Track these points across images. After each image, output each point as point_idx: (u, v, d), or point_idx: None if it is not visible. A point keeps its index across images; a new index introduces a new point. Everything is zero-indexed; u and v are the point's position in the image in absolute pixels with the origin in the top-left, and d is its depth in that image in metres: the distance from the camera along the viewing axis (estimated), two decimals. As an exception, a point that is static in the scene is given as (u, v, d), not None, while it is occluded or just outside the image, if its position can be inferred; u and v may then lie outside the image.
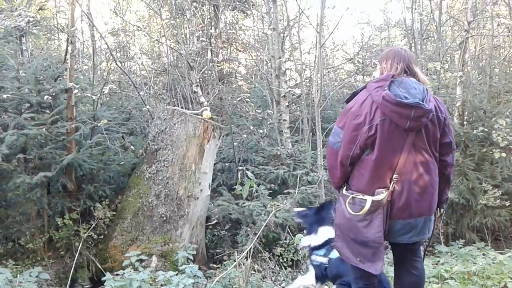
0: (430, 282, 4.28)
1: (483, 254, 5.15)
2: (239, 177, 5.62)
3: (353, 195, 2.72)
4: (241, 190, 5.42)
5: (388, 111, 2.62)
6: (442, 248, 5.57)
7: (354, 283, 2.94)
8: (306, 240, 3.76)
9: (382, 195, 2.64)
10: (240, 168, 5.91)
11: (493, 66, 7.52)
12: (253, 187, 5.51)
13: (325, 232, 3.63)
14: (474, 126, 6.10)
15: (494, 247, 5.75)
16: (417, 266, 2.97)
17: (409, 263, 2.95)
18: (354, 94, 2.87)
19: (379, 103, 2.63)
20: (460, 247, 5.50)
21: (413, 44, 8.63)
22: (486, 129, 5.87)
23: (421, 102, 2.64)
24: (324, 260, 3.60)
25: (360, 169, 2.75)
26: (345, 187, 2.85)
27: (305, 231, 3.91)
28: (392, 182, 2.67)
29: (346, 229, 2.79)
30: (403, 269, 2.96)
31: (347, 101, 2.90)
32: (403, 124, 2.64)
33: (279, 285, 4.70)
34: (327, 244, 3.59)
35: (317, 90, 6.23)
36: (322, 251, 3.63)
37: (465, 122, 6.31)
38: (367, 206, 2.63)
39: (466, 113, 6.35)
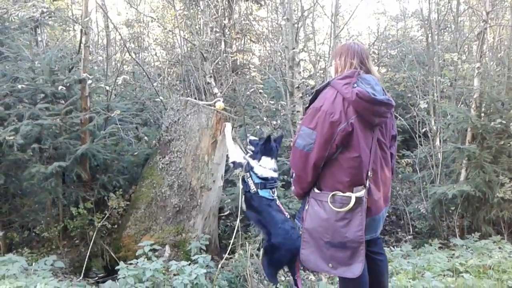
0: (444, 275, 4.24)
1: (499, 248, 5.09)
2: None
3: (333, 193, 2.65)
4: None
5: (361, 108, 2.58)
6: (457, 241, 5.52)
7: None
8: (250, 161, 4.21)
9: (362, 191, 2.62)
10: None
11: (512, 57, 7.36)
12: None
13: (266, 162, 4.13)
14: (491, 118, 5.99)
15: (511, 240, 5.67)
16: (381, 258, 3.04)
17: (374, 256, 2.99)
18: (317, 93, 2.79)
19: (352, 101, 2.57)
20: (476, 241, 5.44)
21: (430, 35, 8.46)
22: (504, 121, 5.77)
23: (390, 99, 2.69)
24: (253, 187, 4.08)
25: (333, 168, 2.69)
26: (315, 188, 2.77)
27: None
28: (367, 179, 2.65)
29: (320, 232, 2.71)
30: (370, 261, 2.92)
31: (312, 100, 2.80)
32: (372, 121, 2.65)
33: (291, 276, 4.67)
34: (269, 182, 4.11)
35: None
36: (257, 179, 4.09)
37: (482, 114, 6.20)
38: (352, 202, 2.58)
39: (484, 104, 6.23)
